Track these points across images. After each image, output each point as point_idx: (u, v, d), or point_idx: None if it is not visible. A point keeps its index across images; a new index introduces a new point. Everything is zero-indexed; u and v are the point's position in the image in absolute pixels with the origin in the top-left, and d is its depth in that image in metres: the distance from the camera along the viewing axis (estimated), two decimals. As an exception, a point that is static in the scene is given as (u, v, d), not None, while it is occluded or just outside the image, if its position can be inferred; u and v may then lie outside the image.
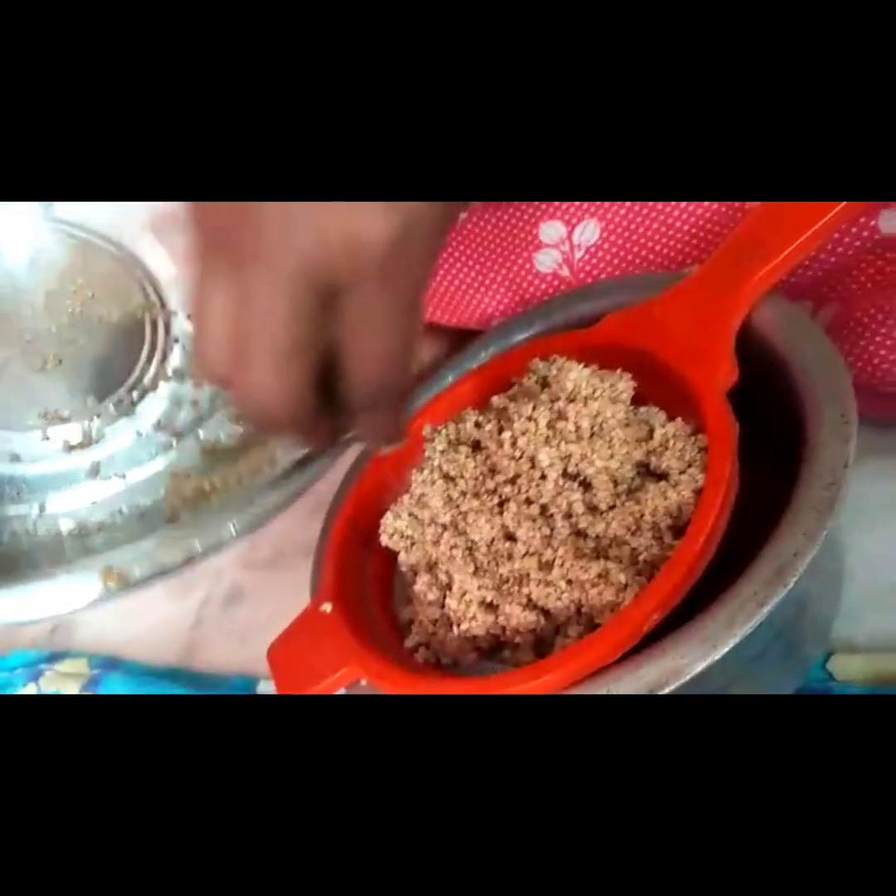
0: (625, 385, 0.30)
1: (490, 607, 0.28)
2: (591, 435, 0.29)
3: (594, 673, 0.24)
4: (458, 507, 0.30)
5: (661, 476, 0.28)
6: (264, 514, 0.37)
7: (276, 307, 0.22)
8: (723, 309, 0.30)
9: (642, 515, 0.27)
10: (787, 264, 0.30)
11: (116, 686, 0.51)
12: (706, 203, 0.35)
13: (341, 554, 0.33)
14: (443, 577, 0.30)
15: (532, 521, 0.28)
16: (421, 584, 0.31)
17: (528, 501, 0.29)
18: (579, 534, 0.28)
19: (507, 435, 0.30)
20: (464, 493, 0.30)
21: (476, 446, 0.32)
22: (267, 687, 0.45)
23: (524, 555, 0.28)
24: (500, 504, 0.29)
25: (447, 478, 0.31)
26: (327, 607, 0.31)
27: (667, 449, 0.28)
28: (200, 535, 0.35)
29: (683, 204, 0.36)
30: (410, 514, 0.32)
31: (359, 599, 0.32)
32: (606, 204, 0.37)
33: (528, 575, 0.27)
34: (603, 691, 0.24)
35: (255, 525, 0.36)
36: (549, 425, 0.29)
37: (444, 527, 0.31)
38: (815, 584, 0.26)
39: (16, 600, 0.33)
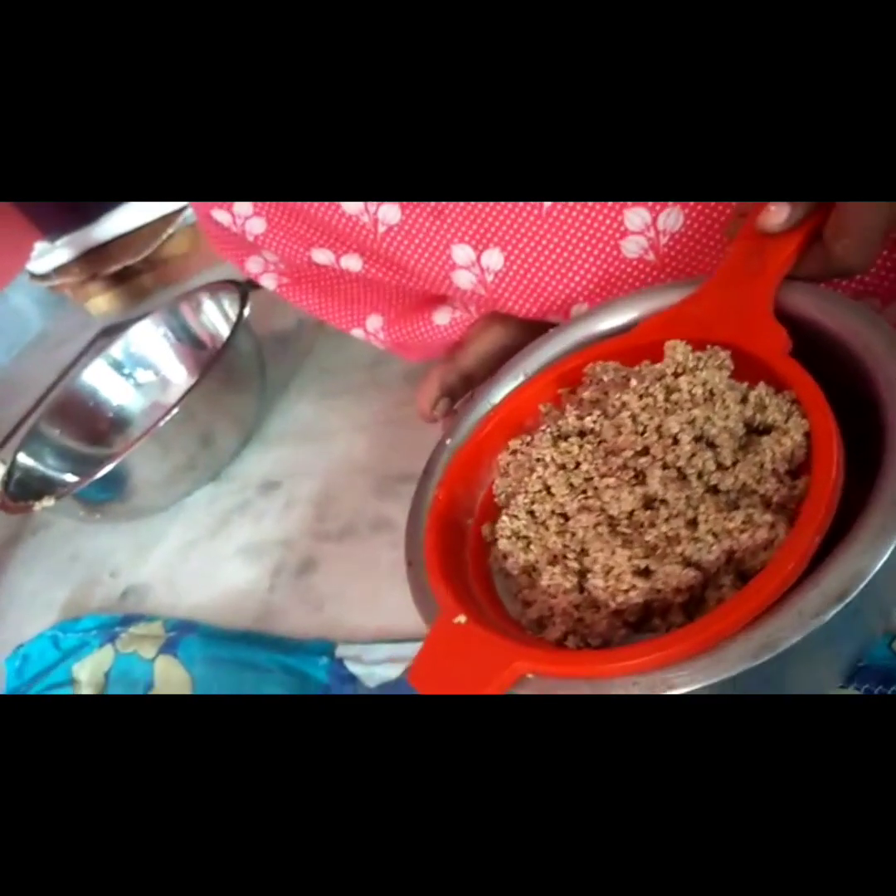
0: (724, 353, 0.32)
1: (644, 574, 0.29)
2: (705, 400, 0.31)
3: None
4: (584, 492, 0.32)
5: (766, 430, 0.30)
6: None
7: None
8: (755, 291, 0.33)
9: (763, 464, 0.29)
10: (808, 236, 0.33)
11: (194, 648, 0.54)
12: None
13: (444, 570, 0.34)
14: (573, 564, 0.31)
15: (676, 483, 0.30)
16: (549, 577, 0.31)
17: (665, 466, 0.31)
18: (712, 490, 0.30)
19: (624, 415, 0.32)
20: (588, 478, 0.32)
21: (580, 435, 0.34)
22: (344, 650, 0.48)
23: (668, 517, 0.29)
24: (636, 476, 0.31)
25: (563, 468, 0.33)
26: (461, 619, 0.30)
27: (765, 407, 0.30)
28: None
29: None
30: (528, 512, 0.33)
31: (477, 607, 0.33)
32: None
33: (678, 535, 0.29)
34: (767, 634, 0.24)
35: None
36: (666, 398, 0.32)
37: (566, 516, 0.32)
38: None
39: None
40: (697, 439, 0.30)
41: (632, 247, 0.41)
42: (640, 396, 0.32)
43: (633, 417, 0.32)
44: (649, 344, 0.36)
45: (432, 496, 0.37)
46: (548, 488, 0.33)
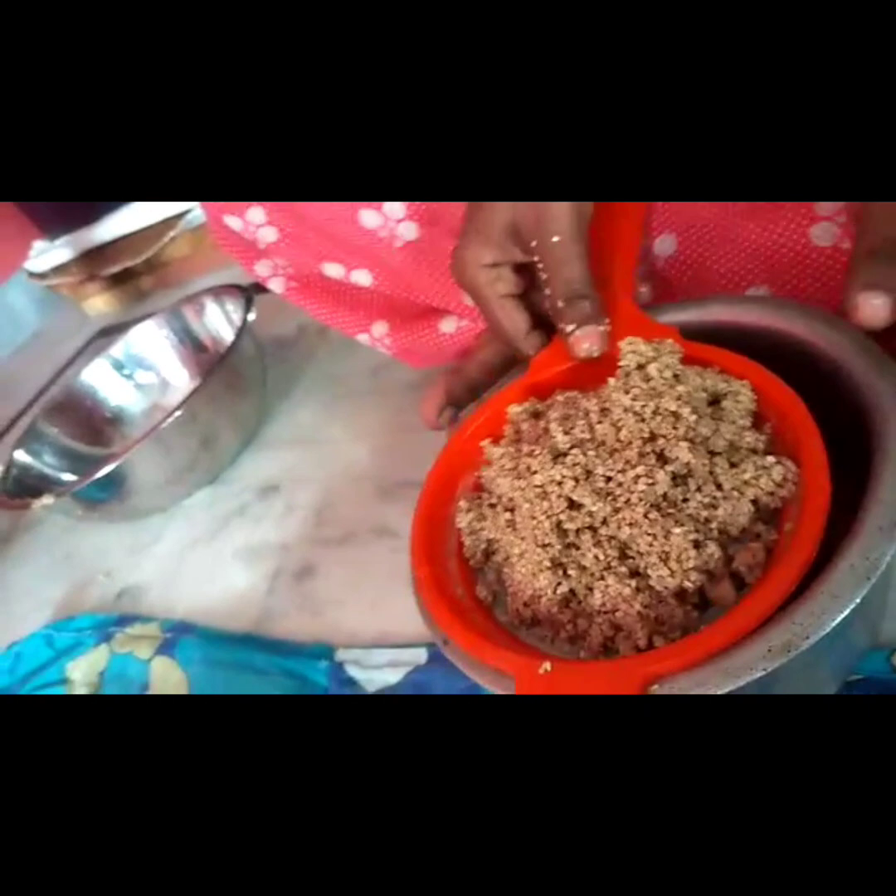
0: (670, 340, 0.34)
1: (698, 547, 0.29)
2: (676, 380, 0.33)
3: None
4: (610, 494, 0.31)
5: (717, 400, 0.33)
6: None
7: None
8: (619, 310, 0.37)
9: (735, 422, 0.31)
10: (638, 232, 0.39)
11: (192, 649, 0.53)
12: (770, 229, 0.39)
13: (487, 635, 0.32)
14: (624, 569, 0.30)
15: (697, 454, 0.31)
16: (606, 592, 0.30)
17: (677, 439, 0.31)
18: (714, 454, 0.31)
19: (617, 411, 0.32)
20: (608, 478, 0.31)
21: (575, 448, 0.33)
22: (344, 655, 0.48)
23: (699, 487, 0.30)
24: (658, 458, 0.31)
25: (578, 480, 0.32)
26: (547, 666, 0.29)
27: (708, 379, 0.33)
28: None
29: (752, 224, 0.39)
30: (558, 536, 0.32)
31: (531, 651, 0.31)
32: (683, 220, 0.41)
33: (714, 500, 0.30)
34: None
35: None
36: (647, 386, 0.33)
37: (594, 528, 0.31)
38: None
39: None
40: (692, 411, 0.32)
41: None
42: (626, 391, 0.33)
43: (630, 409, 0.32)
44: (552, 378, 0.38)
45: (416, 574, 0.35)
46: (573, 504, 0.32)
